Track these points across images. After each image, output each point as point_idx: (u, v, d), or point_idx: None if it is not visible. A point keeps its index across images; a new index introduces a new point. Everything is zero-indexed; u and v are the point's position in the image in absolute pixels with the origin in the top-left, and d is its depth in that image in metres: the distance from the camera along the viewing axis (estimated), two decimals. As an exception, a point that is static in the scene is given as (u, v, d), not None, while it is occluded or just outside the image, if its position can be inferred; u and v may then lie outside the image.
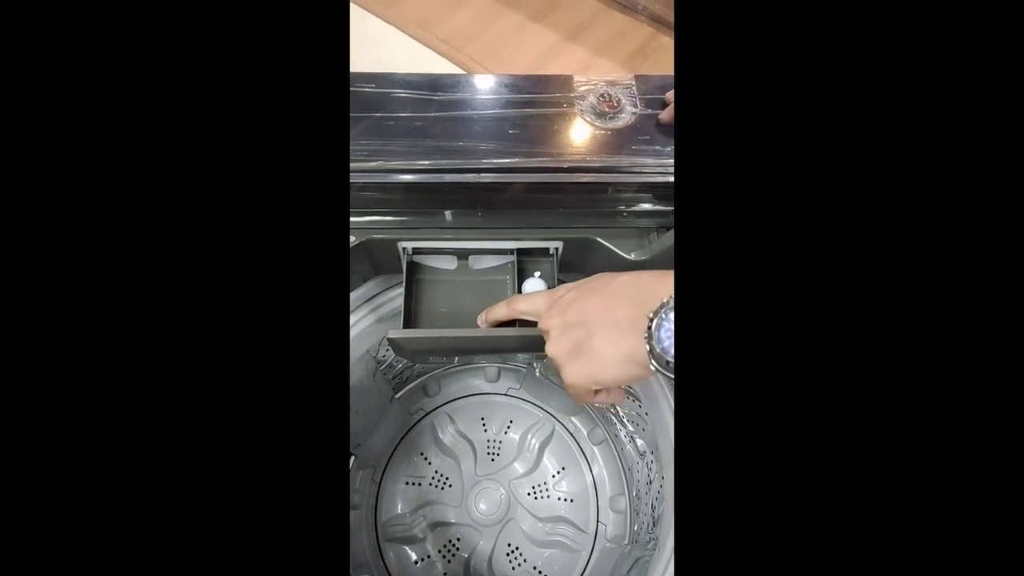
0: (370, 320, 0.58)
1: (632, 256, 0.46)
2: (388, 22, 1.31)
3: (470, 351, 0.46)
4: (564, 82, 0.47)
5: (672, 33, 1.39)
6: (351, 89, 0.45)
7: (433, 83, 0.46)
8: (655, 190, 0.46)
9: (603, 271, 0.51)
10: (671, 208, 0.47)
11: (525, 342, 0.44)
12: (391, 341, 0.45)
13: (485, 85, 0.47)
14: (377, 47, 1.28)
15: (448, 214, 0.47)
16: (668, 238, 0.45)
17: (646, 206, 0.46)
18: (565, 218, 0.47)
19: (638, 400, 0.62)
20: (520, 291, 0.48)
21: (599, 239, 0.47)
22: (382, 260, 0.49)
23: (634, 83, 0.47)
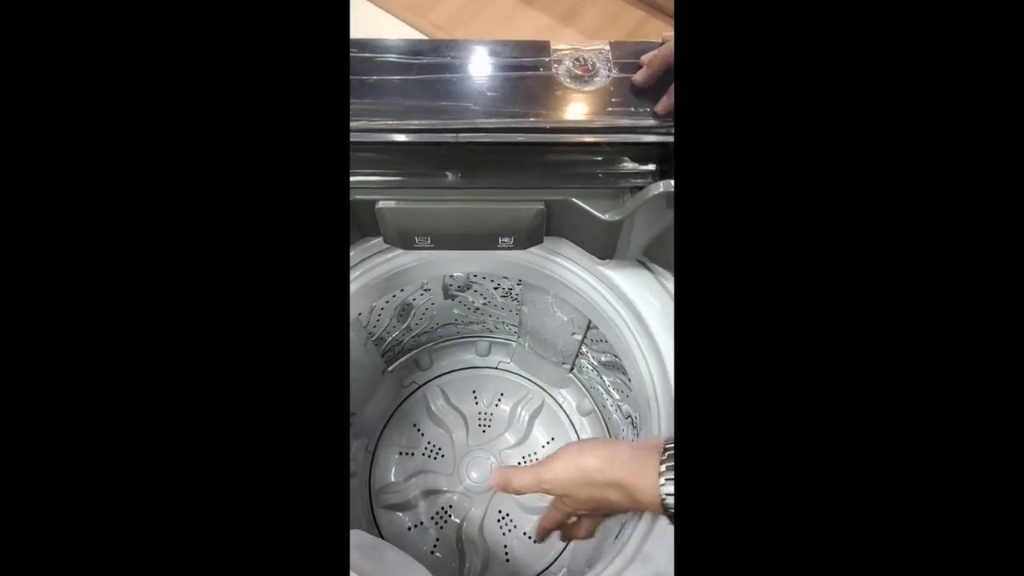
0: (358, 285, 0.59)
1: (607, 216, 0.48)
2: (380, 7, 1.32)
3: (457, 235, 0.50)
4: (541, 47, 0.49)
5: (664, 17, 1.39)
6: None
7: (414, 48, 0.48)
8: (629, 151, 0.47)
9: (580, 231, 0.52)
10: (646, 168, 0.48)
11: (510, 221, 0.49)
12: (379, 212, 0.48)
13: (464, 50, 0.48)
14: (369, 32, 1.29)
15: (450, 175, 0.48)
16: (640, 197, 0.46)
17: (621, 167, 0.48)
18: (542, 180, 0.49)
19: (623, 371, 0.64)
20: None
21: (575, 200, 0.49)
22: (368, 222, 0.51)
23: (609, 49, 0.49)
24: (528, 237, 0.51)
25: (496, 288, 0.79)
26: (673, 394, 0.52)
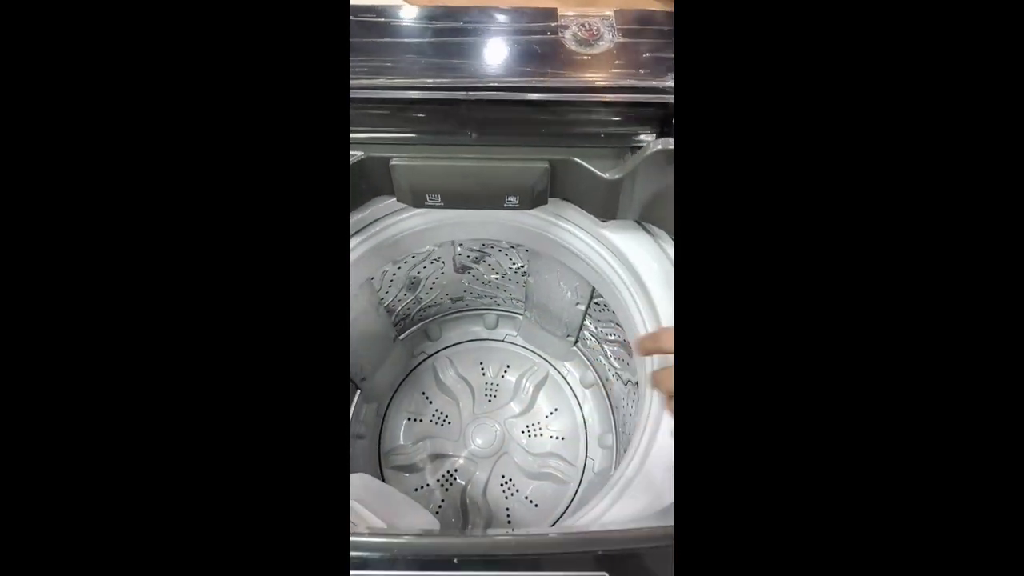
0: (369, 246, 0.62)
1: (607, 175, 0.50)
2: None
3: (466, 193, 0.53)
4: (548, 13, 0.51)
5: None
6: (355, 18, 0.50)
7: (429, 13, 0.51)
8: (630, 111, 0.50)
9: (583, 191, 0.55)
10: (646, 128, 0.51)
11: (515, 179, 0.52)
12: (392, 168, 0.50)
13: (475, 15, 0.51)
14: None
15: (462, 133, 0.51)
16: (639, 155, 0.49)
17: (622, 127, 0.50)
18: (548, 139, 0.51)
19: (623, 343, 0.66)
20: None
21: (578, 159, 0.51)
22: (382, 179, 0.53)
23: (613, 15, 0.51)
24: (533, 197, 0.54)
25: (508, 257, 0.81)
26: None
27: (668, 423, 0.50)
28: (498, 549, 0.33)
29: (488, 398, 0.91)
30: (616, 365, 0.81)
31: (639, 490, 0.46)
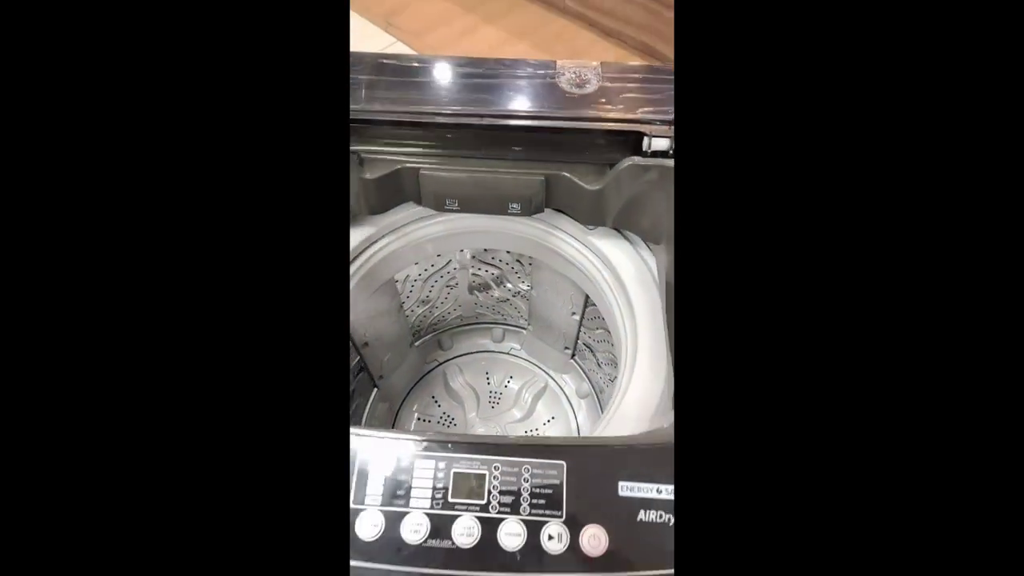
0: (395, 247, 0.75)
1: (591, 187, 0.63)
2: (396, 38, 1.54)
3: (477, 198, 0.65)
4: (548, 64, 0.66)
5: (650, 58, 1.61)
6: (380, 62, 0.65)
7: (457, 62, 0.66)
8: (610, 137, 0.63)
9: (572, 200, 0.68)
10: (621, 150, 0.64)
11: (517, 188, 0.64)
12: (421, 177, 0.62)
13: (492, 64, 0.66)
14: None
15: (475, 151, 0.65)
16: (616, 169, 0.61)
17: (603, 150, 0.63)
18: (543, 157, 0.65)
19: (611, 339, 0.76)
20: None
21: (567, 174, 0.64)
22: (411, 186, 0.67)
23: (599, 66, 0.66)
24: (531, 206, 0.67)
25: (518, 277, 0.93)
26: (639, 338, 0.65)
27: (635, 392, 0.60)
28: (483, 440, 0.43)
29: (491, 404, 1.01)
30: (607, 370, 0.90)
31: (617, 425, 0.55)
